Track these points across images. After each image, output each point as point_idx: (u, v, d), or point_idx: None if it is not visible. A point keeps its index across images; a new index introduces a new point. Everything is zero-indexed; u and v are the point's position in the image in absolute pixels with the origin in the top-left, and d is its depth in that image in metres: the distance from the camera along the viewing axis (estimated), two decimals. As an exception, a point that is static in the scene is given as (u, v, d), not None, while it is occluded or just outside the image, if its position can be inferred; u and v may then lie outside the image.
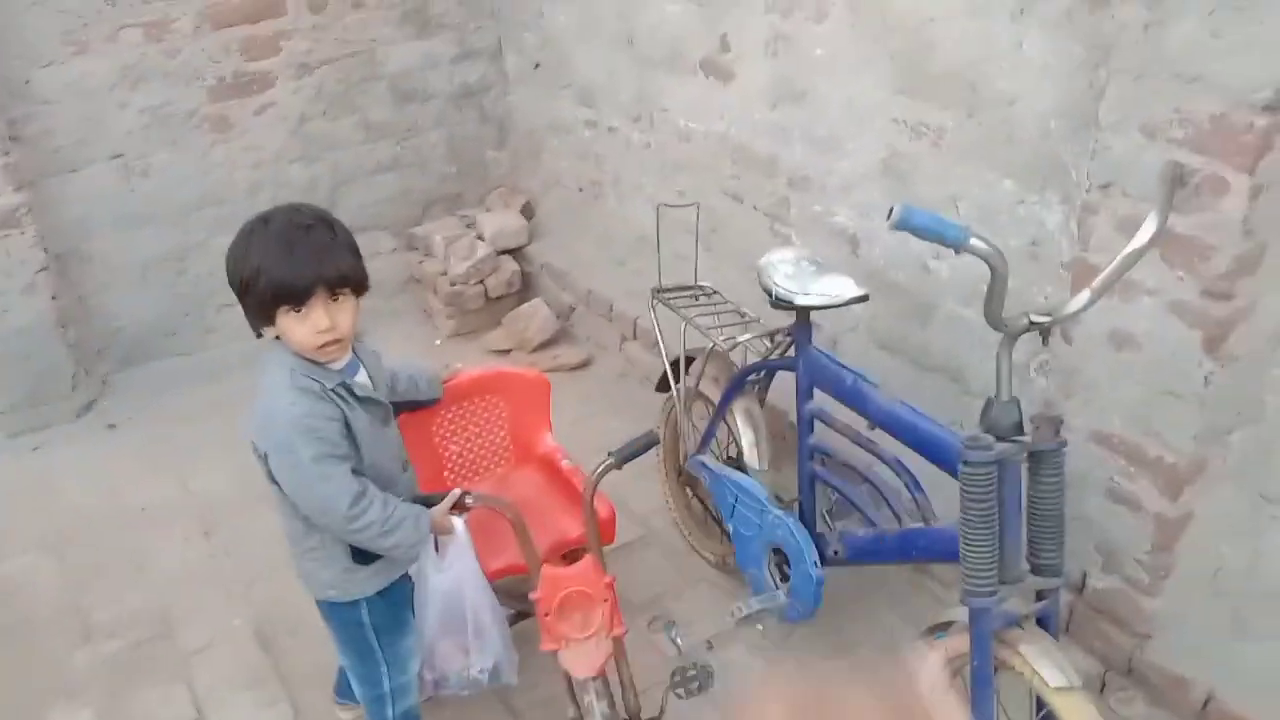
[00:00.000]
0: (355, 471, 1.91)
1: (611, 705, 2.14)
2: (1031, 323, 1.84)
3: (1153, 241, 1.82)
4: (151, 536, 3.22)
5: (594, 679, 2.10)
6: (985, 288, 1.79)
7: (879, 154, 2.73)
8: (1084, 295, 1.84)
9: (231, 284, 1.89)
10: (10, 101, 3.41)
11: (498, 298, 4.18)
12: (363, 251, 3.92)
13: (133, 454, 3.60)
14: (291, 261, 1.80)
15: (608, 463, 2.08)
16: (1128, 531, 2.23)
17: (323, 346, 1.85)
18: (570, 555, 2.39)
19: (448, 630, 2.13)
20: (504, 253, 4.20)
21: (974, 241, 1.71)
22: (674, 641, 2.41)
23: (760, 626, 2.69)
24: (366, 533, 1.91)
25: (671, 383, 2.83)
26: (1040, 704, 2.00)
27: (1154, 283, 2.01)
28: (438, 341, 4.21)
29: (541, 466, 2.70)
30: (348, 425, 1.91)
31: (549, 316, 4.00)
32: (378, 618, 2.10)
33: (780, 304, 2.38)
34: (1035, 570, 1.97)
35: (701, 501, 3.01)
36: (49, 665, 2.78)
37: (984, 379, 2.56)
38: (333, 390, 1.89)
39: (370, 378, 2.03)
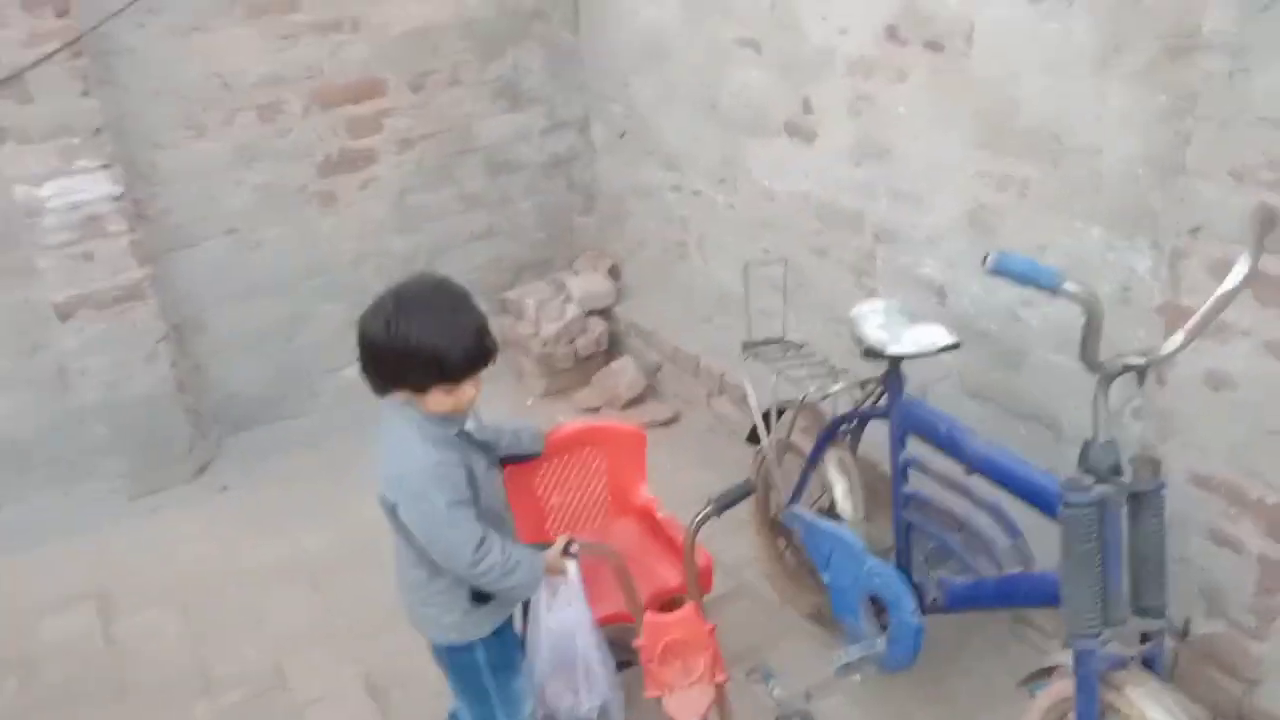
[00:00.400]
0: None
1: None
2: (1127, 365, 1.87)
3: (1245, 282, 1.84)
4: (265, 593, 3.35)
5: None
6: (1078, 334, 1.84)
7: (965, 206, 2.79)
8: (1178, 337, 1.87)
9: (374, 351, 1.98)
10: (136, 183, 3.66)
11: (587, 357, 4.31)
12: None
13: (245, 514, 3.76)
14: (457, 344, 1.91)
15: (707, 510, 2.15)
16: (1231, 574, 2.22)
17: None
18: (669, 604, 2.44)
19: (558, 670, 2.23)
20: (592, 314, 4.33)
21: (1068, 285, 1.76)
22: (771, 693, 2.45)
23: (858, 676, 2.70)
24: (489, 575, 2.03)
25: (763, 435, 2.89)
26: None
27: (1248, 323, 2.03)
28: (529, 401, 4.34)
29: (639, 517, 2.77)
30: (469, 470, 2.02)
31: (637, 374, 4.10)
32: (493, 658, 2.20)
33: (872, 354, 2.44)
34: (1139, 612, 1.97)
35: (795, 553, 3.04)
36: (173, 716, 2.91)
37: (1078, 425, 2.56)
38: (456, 436, 2.01)
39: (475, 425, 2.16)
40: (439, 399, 1.96)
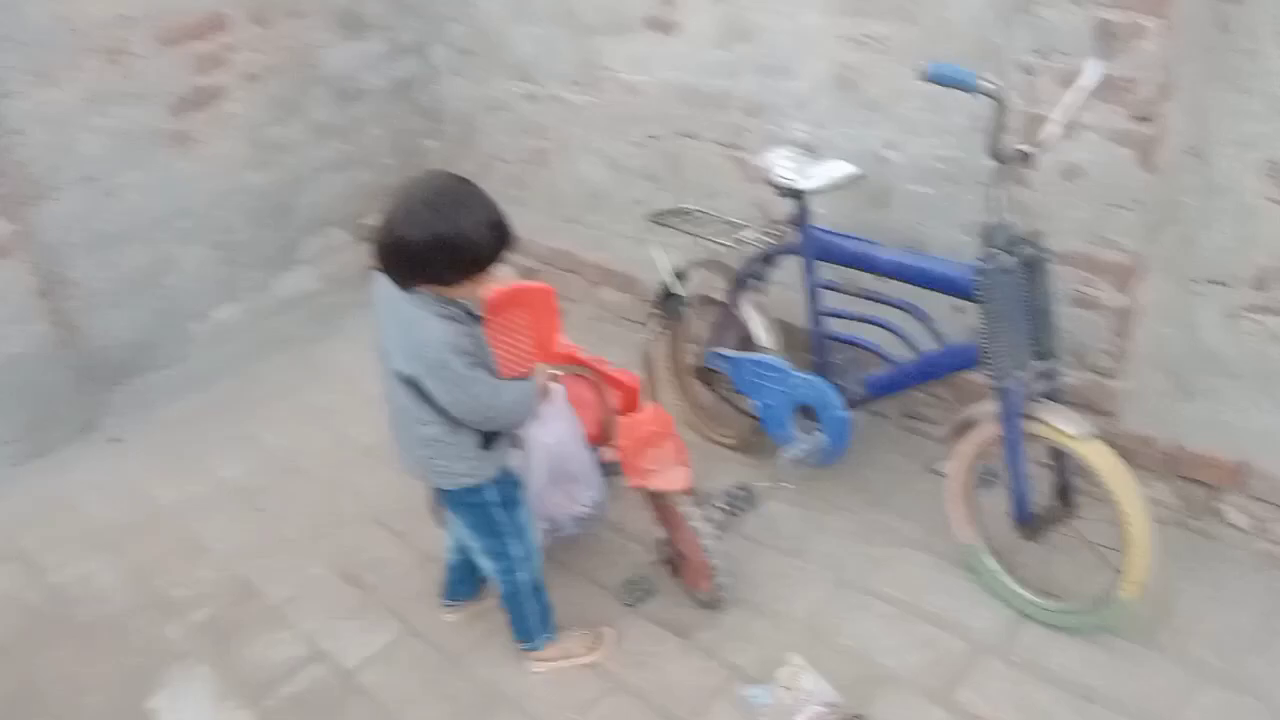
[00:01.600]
0: None
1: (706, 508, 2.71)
2: (1020, 151, 2.33)
3: (1100, 78, 2.34)
4: (199, 523, 3.37)
5: (688, 493, 2.60)
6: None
7: (829, 70, 3.20)
8: (1054, 128, 2.34)
9: (410, 252, 2.12)
10: (-18, 134, 3.50)
11: (460, 271, 4.47)
12: (323, 247, 4.66)
13: (147, 460, 3.72)
14: (488, 237, 2.12)
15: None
16: (1093, 329, 2.77)
17: None
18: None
19: (556, 480, 2.59)
20: (460, 230, 4.49)
21: (984, 82, 2.18)
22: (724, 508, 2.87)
23: (789, 485, 3.12)
24: (506, 414, 2.30)
25: (679, 290, 3.22)
26: (1057, 459, 2.52)
27: (1092, 119, 2.54)
28: (409, 321, 4.46)
29: (564, 360, 2.91)
30: (475, 336, 2.26)
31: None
32: (501, 494, 2.45)
33: (786, 192, 2.82)
34: (1038, 356, 2.46)
35: (713, 393, 3.40)
36: (144, 643, 2.91)
37: (945, 245, 3.05)
38: (466, 314, 2.24)
39: None
40: (468, 288, 2.19)
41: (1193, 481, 2.80)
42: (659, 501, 2.72)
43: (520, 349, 2.96)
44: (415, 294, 2.19)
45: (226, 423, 3.87)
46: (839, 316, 2.94)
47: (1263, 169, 2.51)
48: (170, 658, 2.86)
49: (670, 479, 2.57)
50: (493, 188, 4.51)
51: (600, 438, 2.72)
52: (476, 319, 2.28)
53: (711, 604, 2.75)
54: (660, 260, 3.28)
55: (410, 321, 2.19)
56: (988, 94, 2.20)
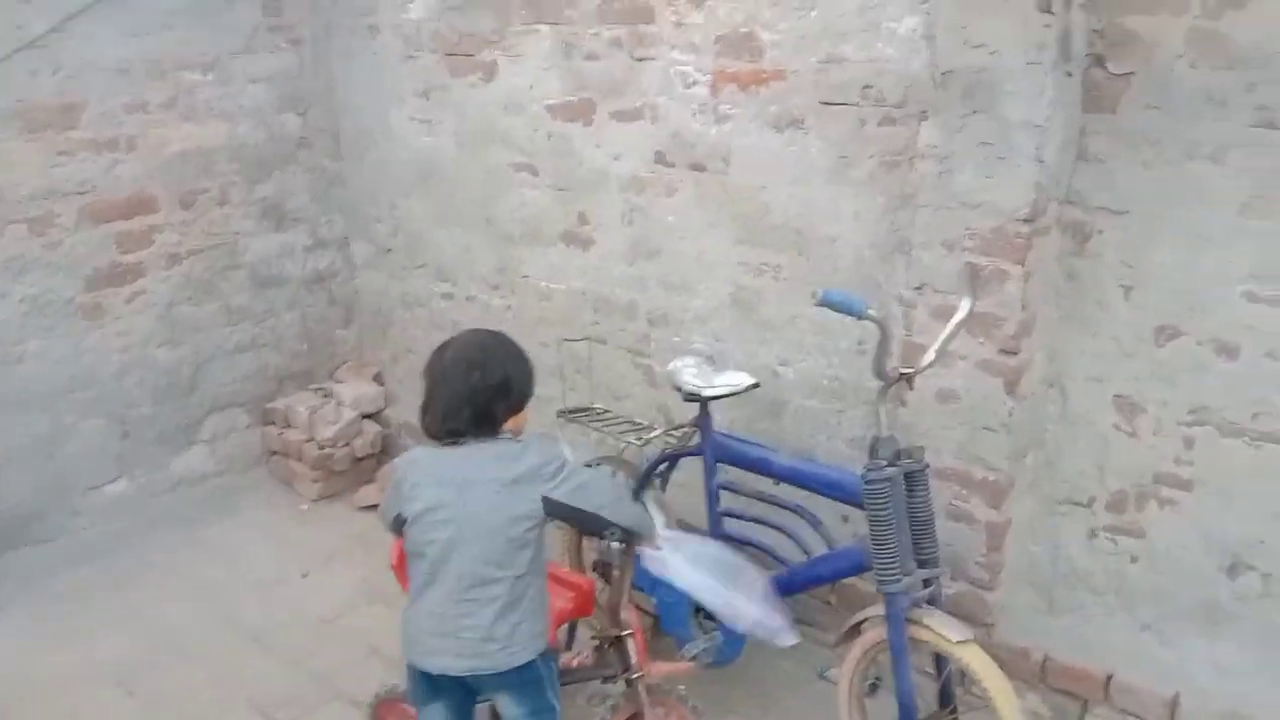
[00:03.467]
0: None
1: None
2: (901, 373, 2.58)
3: (969, 314, 2.64)
4: (72, 704, 3.22)
5: None
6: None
7: (728, 290, 3.49)
8: (930, 354, 2.62)
9: (520, 393, 2.34)
10: (-109, 293, 3.50)
11: (362, 458, 4.52)
12: (222, 428, 4.83)
13: (22, 634, 3.57)
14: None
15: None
16: (967, 541, 2.98)
17: None
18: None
19: (730, 578, 2.55)
20: (365, 417, 4.57)
21: (870, 311, 2.44)
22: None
23: (682, 687, 3.16)
24: (624, 500, 2.47)
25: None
26: (940, 665, 2.66)
27: (964, 350, 2.84)
28: (304, 506, 4.45)
29: None
30: None
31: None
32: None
33: (692, 397, 3.01)
34: (920, 564, 2.64)
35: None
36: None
37: (832, 456, 3.29)
38: None
39: None
40: (522, 417, 2.38)
41: (1064, 693, 2.96)
42: (659, 694, 2.66)
43: None
44: (499, 437, 2.31)
45: (109, 600, 3.74)
46: (736, 517, 3.09)
47: (1111, 402, 2.83)
48: None
49: (677, 665, 2.71)
50: (403, 379, 4.73)
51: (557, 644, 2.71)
52: None
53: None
54: (568, 455, 3.40)
55: (519, 452, 2.28)
56: (873, 320, 2.46)
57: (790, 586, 2.96)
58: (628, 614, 2.57)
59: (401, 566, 2.55)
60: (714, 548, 2.60)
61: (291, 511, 4.43)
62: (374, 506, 4.40)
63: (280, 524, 4.33)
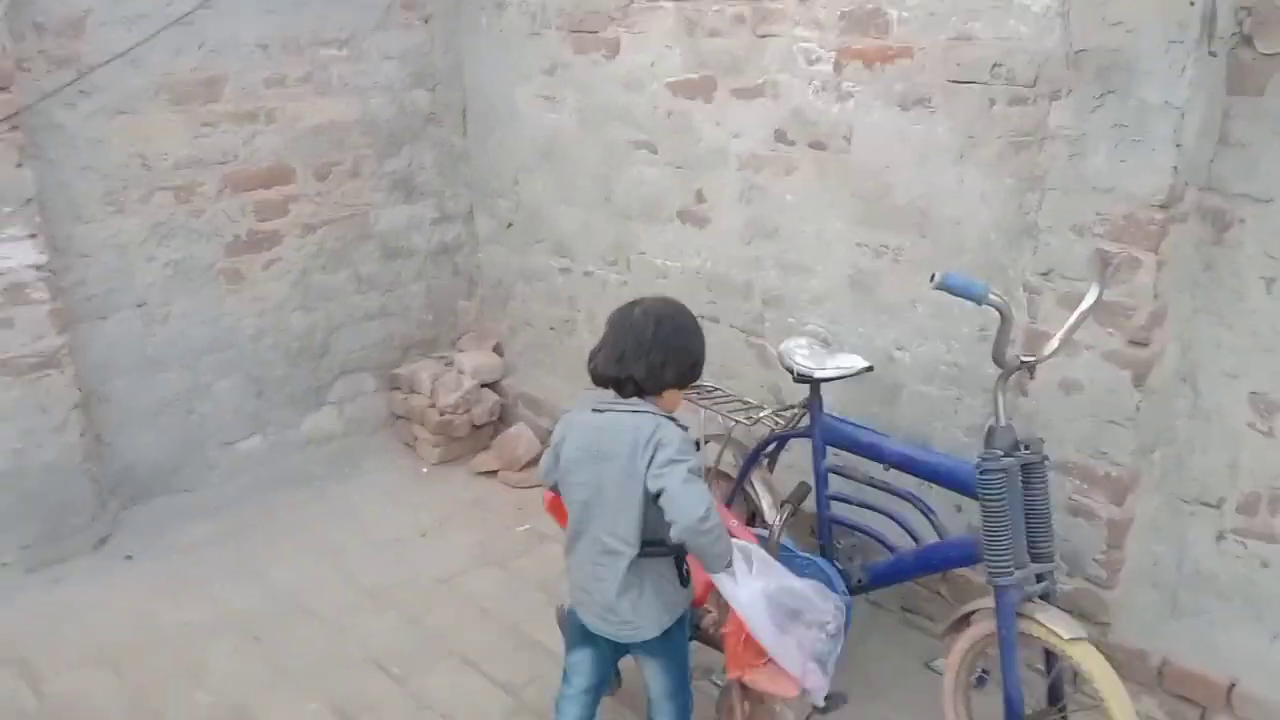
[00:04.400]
0: None
1: None
2: (1023, 360, 2.51)
3: (1097, 303, 2.55)
4: (201, 648, 3.40)
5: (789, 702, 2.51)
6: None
7: (846, 272, 3.44)
8: (1054, 342, 2.54)
9: (695, 360, 2.42)
10: (54, 255, 3.74)
11: (480, 426, 4.64)
12: (350, 392, 4.90)
13: (157, 581, 3.78)
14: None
15: (788, 510, 2.59)
16: (1086, 537, 2.88)
17: None
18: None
19: (787, 626, 2.38)
20: (484, 386, 4.69)
21: (992, 296, 2.38)
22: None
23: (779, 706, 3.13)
24: (713, 532, 2.25)
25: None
26: (1050, 662, 2.60)
27: (1090, 339, 2.74)
28: (425, 470, 4.59)
29: None
30: None
31: (533, 438, 4.47)
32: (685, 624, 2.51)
33: (803, 378, 3.00)
34: (1034, 559, 2.57)
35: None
36: (135, 761, 2.93)
37: (947, 444, 3.22)
38: None
39: None
40: (679, 394, 2.43)
41: (1182, 699, 2.84)
42: (751, 701, 2.62)
43: None
44: (637, 406, 2.32)
45: (238, 552, 3.95)
46: (845, 501, 3.06)
47: (1247, 399, 2.69)
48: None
49: (779, 683, 2.42)
50: (521, 351, 4.83)
51: (703, 600, 2.72)
52: None
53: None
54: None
55: (649, 426, 2.27)
56: (994, 306, 2.39)
57: (899, 574, 2.94)
58: (721, 614, 2.57)
59: (555, 508, 2.65)
60: (787, 581, 2.43)
61: (413, 474, 4.59)
62: (492, 473, 4.54)
63: (401, 486, 4.48)
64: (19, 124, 3.53)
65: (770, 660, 2.39)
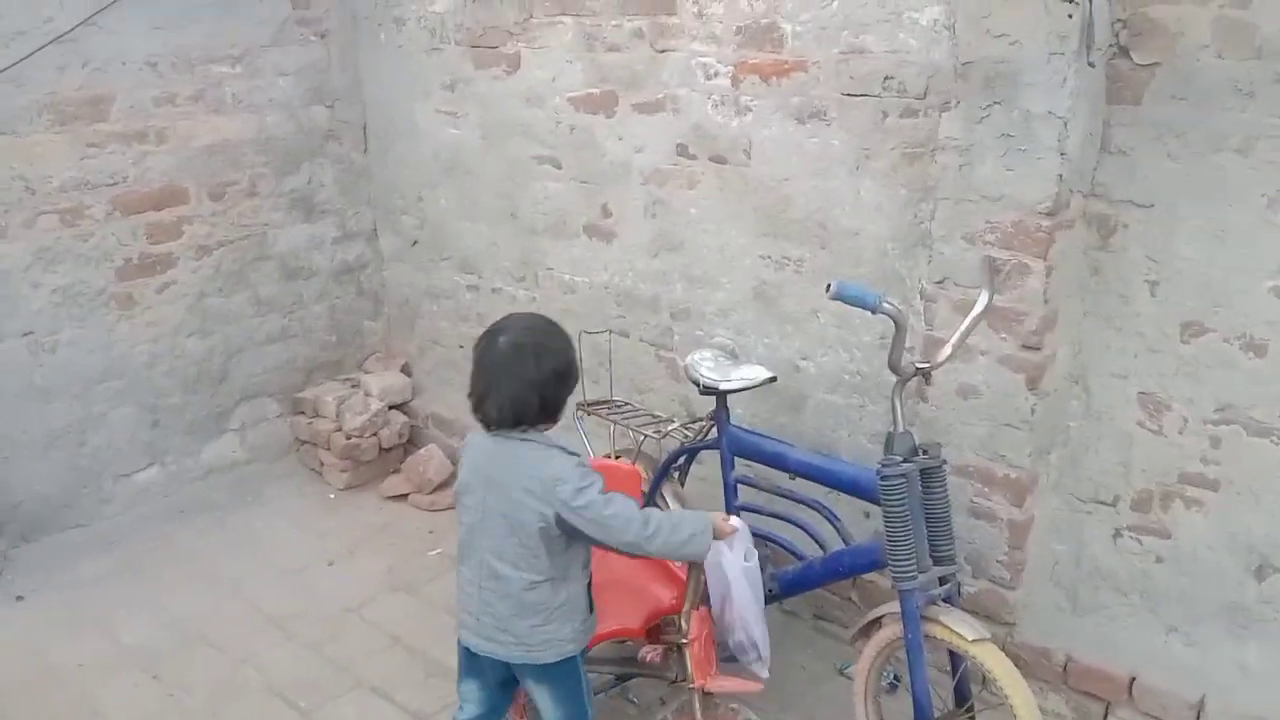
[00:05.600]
0: None
1: None
2: (918, 368, 2.55)
3: (987, 309, 2.60)
4: (97, 688, 3.27)
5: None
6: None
7: (750, 284, 3.47)
8: (947, 349, 2.58)
9: (568, 380, 2.28)
10: (-72, 283, 3.57)
11: (389, 448, 4.56)
12: (251, 418, 4.76)
13: (50, 620, 3.61)
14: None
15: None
16: (988, 539, 2.94)
17: None
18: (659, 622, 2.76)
19: (755, 604, 2.52)
20: (392, 408, 4.60)
21: (885, 305, 2.41)
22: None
23: (735, 705, 3.10)
24: (661, 532, 2.23)
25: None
26: (955, 664, 2.63)
27: (985, 345, 2.80)
28: (332, 495, 4.48)
29: None
30: None
31: (443, 459, 4.40)
32: (583, 657, 2.41)
33: (708, 391, 3.00)
34: (937, 562, 2.61)
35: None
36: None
37: (853, 451, 3.26)
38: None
39: None
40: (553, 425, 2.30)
41: (1086, 695, 2.91)
42: (708, 707, 2.61)
43: None
44: (529, 436, 2.24)
45: (136, 587, 3.79)
46: (753, 511, 3.07)
47: (1136, 399, 2.77)
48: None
49: (744, 682, 2.55)
50: (430, 370, 4.75)
51: (645, 633, 2.70)
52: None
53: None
54: (587, 447, 3.40)
55: (536, 458, 2.21)
56: (888, 314, 2.43)
57: (807, 582, 2.95)
58: (690, 622, 2.54)
59: None
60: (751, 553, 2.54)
61: (320, 500, 4.47)
62: (401, 496, 4.45)
63: (308, 512, 4.37)
64: (-112, 146, 3.37)
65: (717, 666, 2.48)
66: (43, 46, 3.74)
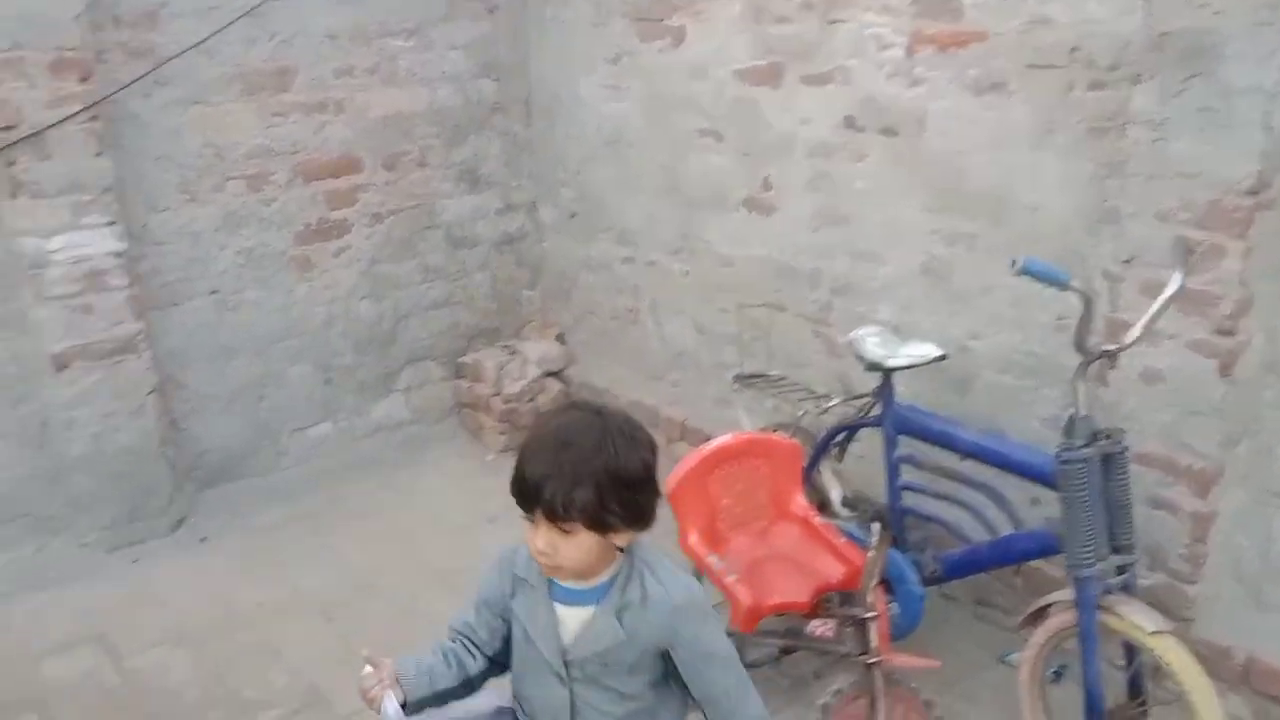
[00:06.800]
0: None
1: None
2: (1105, 350, 2.46)
3: (1180, 291, 2.48)
4: (276, 628, 3.46)
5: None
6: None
7: (918, 259, 3.40)
8: (1136, 330, 2.48)
9: (651, 485, 1.80)
10: (131, 243, 3.81)
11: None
12: (416, 380, 4.65)
13: (232, 563, 3.86)
14: (527, 466, 1.75)
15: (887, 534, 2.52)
16: (1168, 531, 2.82)
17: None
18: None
19: None
20: (548, 375, 4.71)
21: (1074, 282, 2.33)
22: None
23: (915, 685, 3.08)
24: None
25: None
26: (1130, 656, 2.54)
27: (1173, 329, 2.68)
28: (489, 457, 4.62)
29: (795, 522, 2.93)
30: None
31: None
32: None
33: (873, 367, 2.96)
34: (1115, 550, 2.52)
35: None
36: (212, 740, 3.00)
37: (1022, 434, 3.16)
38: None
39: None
40: (528, 531, 1.82)
41: (1269, 698, 2.77)
42: (891, 683, 2.57)
43: (754, 500, 2.93)
44: (638, 548, 1.86)
45: (309, 535, 4.01)
46: (917, 492, 3.03)
47: (1340, 390, 2.62)
48: (233, 761, 2.92)
49: (922, 660, 2.55)
50: (584, 340, 4.83)
51: (811, 610, 2.70)
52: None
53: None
54: (744, 421, 3.42)
55: (660, 572, 1.83)
56: (1077, 291, 2.35)
57: (974, 565, 2.90)
58: (874, 597, 2.53)
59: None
60: None
61: (478, 461, 4.62)
62: (554, 462, 4.54)
63: (468, 472, 4.52)
64: (98, 114, 3.61)
65: None
66: (234, 20, 3.94)
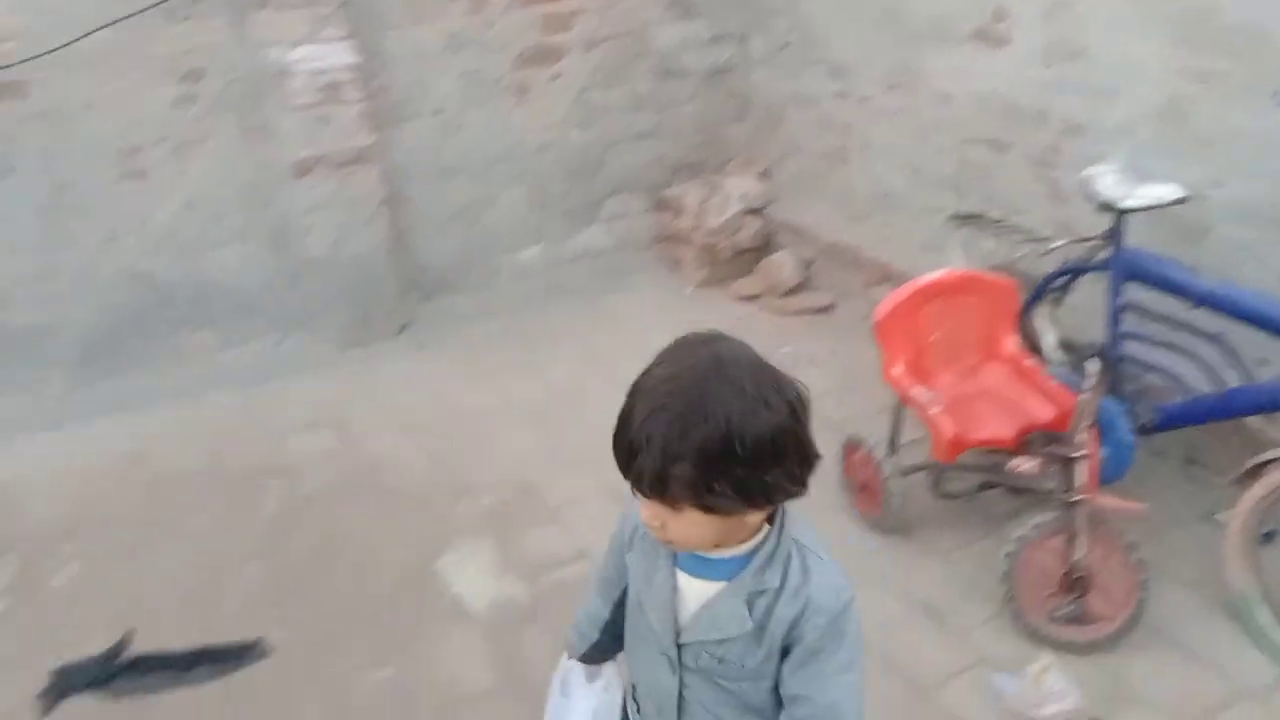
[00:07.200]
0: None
1: None
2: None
3: None
4: (491, 427, 3.74)
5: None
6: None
7: (1158, 98, 3.20)
8: None
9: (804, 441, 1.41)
10: (366, 58, 3.99)
11: (744, 251, 4.71)
12: (620, 210, 4.68)
13: (447, 369, 4.15)
14: (622, 426, 1.42)
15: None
16: None
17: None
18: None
19: None
20: (749, 212, 4.73)
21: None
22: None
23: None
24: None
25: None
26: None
27: None
28: (688, 290, 4.73)
29: (1005, 363, 2.95)
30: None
31: (796, 265, 4.51)
32: None
33: (1105, 208, 2.85)
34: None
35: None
36: (438, 514, 3.30)
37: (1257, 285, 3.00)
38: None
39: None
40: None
41: None
42: (1096, 523, 2.59)
43: (964, 338, 2.93)
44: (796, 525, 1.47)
45: (517, 349, 4.26)
46: (1140, 339, 2.94)
47: None
48: (459, 529, 3.22)
49: (1129, 504, 2.58)
50: (788, 178, 4.81)
51: (1016, 447, 2.72)
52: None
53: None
54: (958, 260, 3.37)
55: (813, 562, 1.42)
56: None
57: (1194, 416, 2.82)
58: (1086, 436, 2.52)
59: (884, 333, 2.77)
60: None
61: (676, 294, 4.74)
62: (753, 297, 4.61)
63: (665, 303, 4.65)
64: (336, -72, 3.75)
65: None
66: None
